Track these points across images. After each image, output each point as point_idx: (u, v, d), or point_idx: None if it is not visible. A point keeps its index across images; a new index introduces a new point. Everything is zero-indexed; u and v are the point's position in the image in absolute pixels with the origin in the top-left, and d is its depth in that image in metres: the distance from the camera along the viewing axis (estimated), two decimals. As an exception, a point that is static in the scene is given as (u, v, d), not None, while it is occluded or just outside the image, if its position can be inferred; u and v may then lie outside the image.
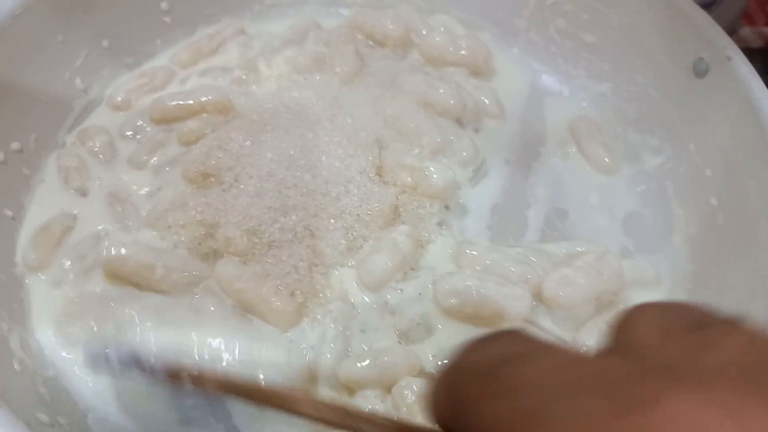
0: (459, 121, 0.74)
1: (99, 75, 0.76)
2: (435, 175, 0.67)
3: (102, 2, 0.74)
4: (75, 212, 0.66)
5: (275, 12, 0.86)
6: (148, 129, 0.72)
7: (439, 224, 0.67)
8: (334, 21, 0.84)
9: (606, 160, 0.75)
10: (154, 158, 0.70)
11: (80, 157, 0.70)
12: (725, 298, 0.60)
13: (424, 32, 0.83)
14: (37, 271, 0.62)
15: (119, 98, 0.75)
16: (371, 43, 0.81)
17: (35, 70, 0.69)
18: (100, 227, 0.65)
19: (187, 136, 0.70)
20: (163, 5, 0.80)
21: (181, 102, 0.72)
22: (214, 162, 0.65)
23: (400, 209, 0.66)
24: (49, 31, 0.70)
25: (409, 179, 0.67)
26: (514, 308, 0.58)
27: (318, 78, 0.74)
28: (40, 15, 0.68)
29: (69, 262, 0.62)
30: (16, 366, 0.54)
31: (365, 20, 0.81)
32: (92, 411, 0.55)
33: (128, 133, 0.72)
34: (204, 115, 0.70)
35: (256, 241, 0.61)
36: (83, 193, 0.68)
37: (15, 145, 0.67)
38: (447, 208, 0.69)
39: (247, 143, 0.66)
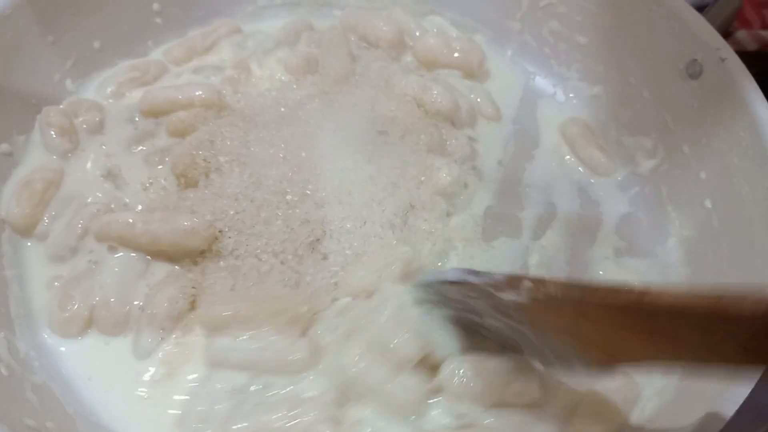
0: (452, 122, 0.74)
1: (90, 76, 0.76)
2: (442, 172, 0.67)
3: (93, 3, 0.74)
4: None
5: (268, 13, 0.85)
6: (137, 119, 0.72)
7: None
8: (327, 22, 0.83)
9: (599, 162, 0.75)
10: (142, 147, 0.70)
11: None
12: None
13: (417, 34, 0.82)
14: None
15: (109, 90, 0.75)
16: (364, 44, 0.81)
17: (25, 71, 0.69)
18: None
19: (175, 125, 0.70)
20: (155, 6, 0.79)
21: (171, 96, 0.71)
22: (202, 157, 0.65)
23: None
24: (39, 32, 0.70)
25: (416, 177, 0.67)
26: None
27: (311, 79, 0.74)
28: (30, 16, 0.68)
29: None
30: (3, 371, 0.53)
31: (358, 22, 0.80)
32: (82, 417, 0.55)
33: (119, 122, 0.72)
34: (194, 109, 0.70)
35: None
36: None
37: (4, 147, 0.66)
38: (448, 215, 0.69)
39: (238, 140, 0.66)
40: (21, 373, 0.54)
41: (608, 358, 0.44)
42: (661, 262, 0.68)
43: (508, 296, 0.48)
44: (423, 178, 0.67)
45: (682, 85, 0.69)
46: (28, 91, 0.69)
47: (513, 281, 0.47)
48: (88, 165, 0.68)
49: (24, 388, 0.53)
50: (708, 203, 0.65)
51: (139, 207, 0.65)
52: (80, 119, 0.70)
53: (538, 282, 0.46)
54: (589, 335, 0.44)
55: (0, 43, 0.65)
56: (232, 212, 0.61)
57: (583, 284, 0.44)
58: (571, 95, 0.82)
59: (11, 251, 0.63)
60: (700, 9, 0.71)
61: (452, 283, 0.53)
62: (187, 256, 0.61)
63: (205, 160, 0.65)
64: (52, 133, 0.68)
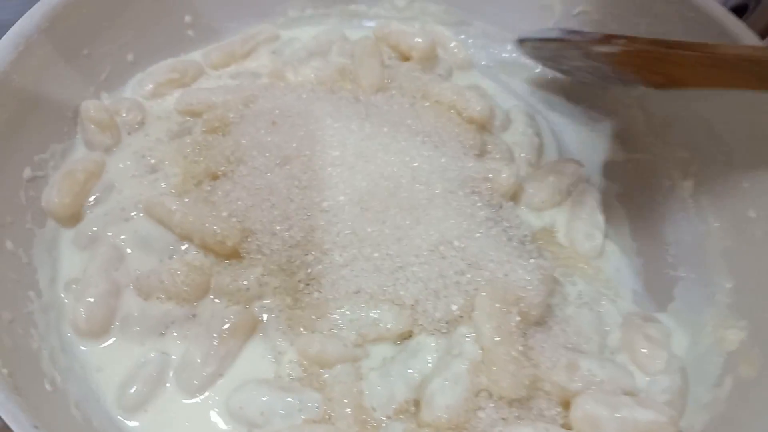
0: (488, 128, 0.73)
1: (124, 88, 0.76)
2: (503, 173, 0.67)
3: (126, 16, 0.74)
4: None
5: (299, 23, 0.85)
6: (176, 118, 0.73)
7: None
8: (357, 33, 0.83)
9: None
10: (181, 142, 0.71)
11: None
12: (767, 313, 0.58)
13: (452, 45, 0.82)
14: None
15: (147, 89, 0.75)
16: (395, 55, 0.81)
17: (61, 83, 0.69)
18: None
19: (211, 124, 0.70)
20: (187, 19, 0.79)
21: (206, 98, 0.73)
22: (234, 159, 0.66)
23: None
24: (75, 45, 0.70)
25: (478, 180, 0.66)
26: None
27: (345, 88, 0.74)
28: (66, 29, 0.68)
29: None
30: (47, 386, 0.52)
31: (392, 32, 0.80)
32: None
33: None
34: (230, 112, 0.71)
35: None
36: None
37: (41, 157, 0.66)
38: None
39: (272, 145, 0.66)
40: (64, 387, 0.54)
41: (670, 83, 0.63)
42: (702, 272, 0.67)
43: (600, 48, 0.65)
44: (486, 183, 0.67)
45: (722, 92, 0.67)
46: (63, 103, 0.69)
47: (608, 37, 0.64)
48: (129, 159, 0.69)
49: (68, 404, 0.53)
50: (752, 213, 0.64)
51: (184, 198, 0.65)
52: (121, 117, 0.71)
53: (630, 38, 0.63)
54: (660, 69, 0.62)
55: (36, 56, 0.65)
56: (260, 216, 0.62)
57: (664, 42, 0.60)
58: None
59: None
60: (739, 13, 0.70)
61: (553, 40, 0.71)
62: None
63: (233, 162, 0.66)
64: (93, 127, 0.69)
